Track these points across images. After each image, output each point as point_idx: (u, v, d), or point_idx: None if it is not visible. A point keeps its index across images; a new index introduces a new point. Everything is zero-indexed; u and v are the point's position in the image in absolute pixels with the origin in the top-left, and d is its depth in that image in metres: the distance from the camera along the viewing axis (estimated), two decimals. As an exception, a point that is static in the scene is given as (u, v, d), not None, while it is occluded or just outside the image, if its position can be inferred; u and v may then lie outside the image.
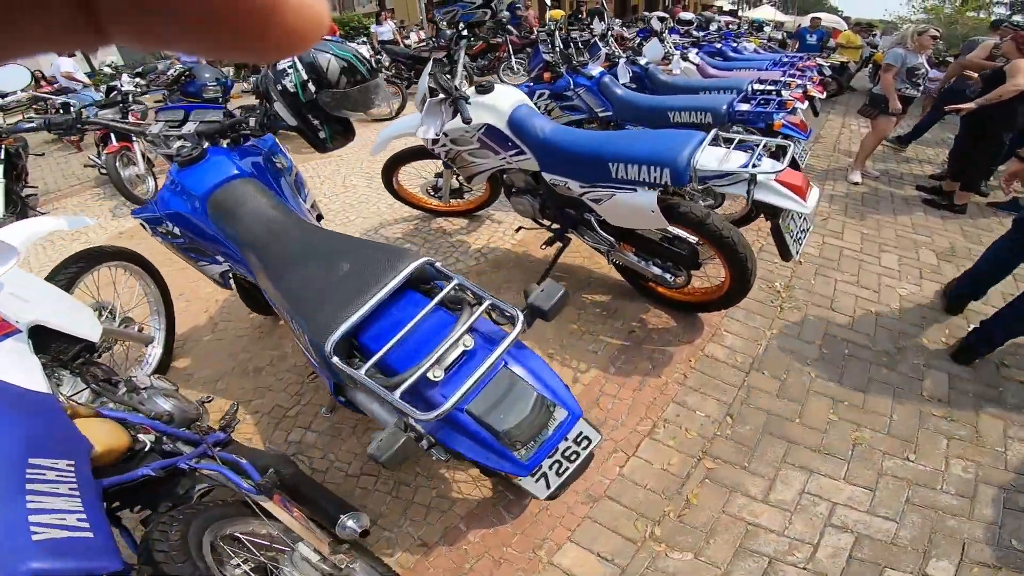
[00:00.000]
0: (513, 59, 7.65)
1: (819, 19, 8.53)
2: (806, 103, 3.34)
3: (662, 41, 4.23)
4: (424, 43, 8.28)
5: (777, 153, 2.10)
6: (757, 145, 2.05)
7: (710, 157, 2.02)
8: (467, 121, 2.13)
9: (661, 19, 4.38)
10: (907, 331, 2.58)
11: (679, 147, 2.01)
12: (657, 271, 2.39)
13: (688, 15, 5.79)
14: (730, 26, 7.42)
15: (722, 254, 2.20)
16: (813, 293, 2.82)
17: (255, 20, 0.16)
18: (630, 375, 2.29)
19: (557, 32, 3.40)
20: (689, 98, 3.13)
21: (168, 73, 6.17)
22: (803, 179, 2.01)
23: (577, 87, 3.28)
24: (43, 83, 12.67)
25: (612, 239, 2.42)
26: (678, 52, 4.23)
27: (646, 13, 5.10)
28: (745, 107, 2.97)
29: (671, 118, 2.99)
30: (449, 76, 2.34)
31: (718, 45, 5.47)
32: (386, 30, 9.49)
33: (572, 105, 3.31)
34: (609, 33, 3.96)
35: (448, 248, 3.35)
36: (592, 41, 3.91)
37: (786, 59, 4.66)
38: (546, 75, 3.35)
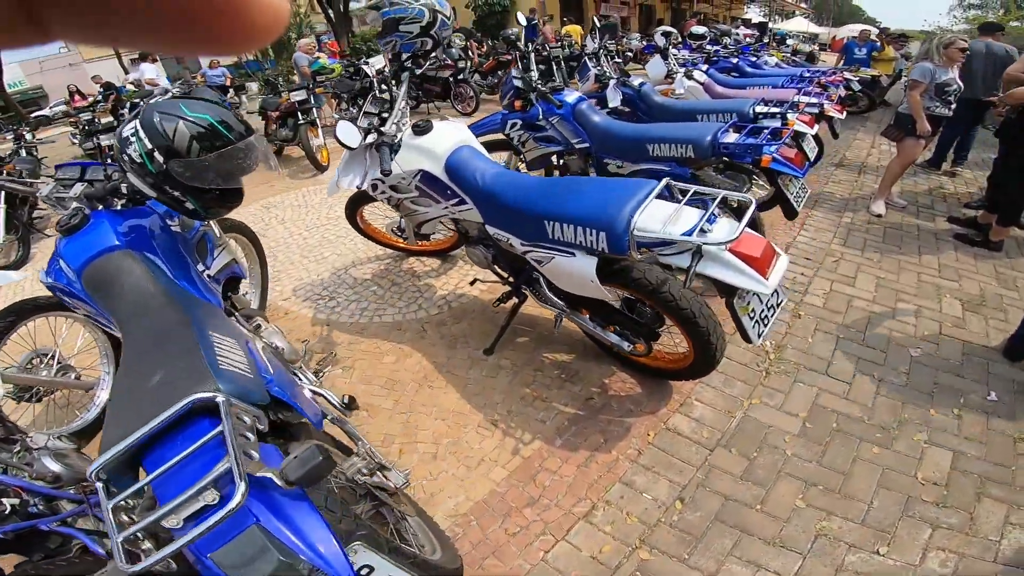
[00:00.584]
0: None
1: (868, 31, 8.54)
2: (816, 127, 3.36)
3: (666, 58, 4.35)
4: (433, 60, 8.78)
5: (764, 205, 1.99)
6: (713, 200, 1.92)
7: (653, 217, 1.91)
8: (385, 173, 2.20)
9: (666, 34, 4.49)
10: (913, 401, 2.56)
11: (618, 206, 1.93)
12: (614, 339, 2.44)
13: (700, 29, 5.88)
14: (748, 39, 7.48)
15: (681, 326, 2.20)
16: (808, 354, 2.84)
17: (211, 12, 0.17)
18: (577, 449, 2.38)
19: (532, 53, 3.54)
20: (672, 127, 3.17)
21: (167, 96, 6.72)
22: (765, 248, 1.88)
23: (549, 116, 3.38)
24: (76, 97, 13.95)
25: (562, 303, 2.47)
26: (682, 70, 4.33)
27: (664, 28, 5.25)
28: (732, 138, 2.93)
29: (650, 151, 3.06)
30: (384, 116, 2.44)
31: (734, 60, 5.57)
32: None
33: (547, 136, 3.44)
34: (602, 51, 4.11)
35: (414, 293, 3.54)
36: (582, 60, 4.06)
37: (807, 74, 4.71)
38: (517, 103, 3.47)
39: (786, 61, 7.48)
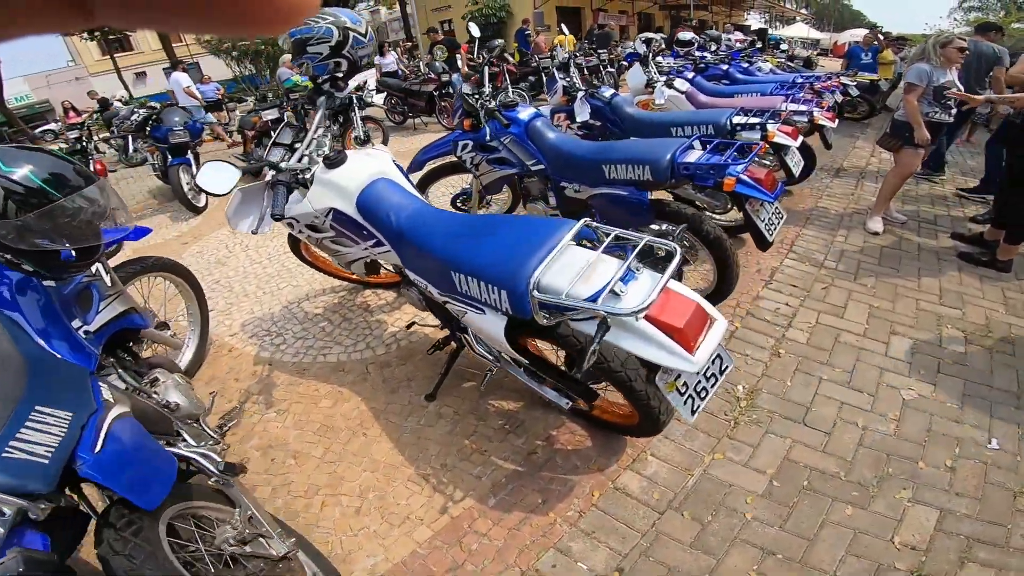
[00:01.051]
0: (511, 90, 8.07)
1: (872, 35, 8.77)
2: (801, 138, 3.26)
3: (646, 66, 4.29)
4: (418, 74, 9.03)
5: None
6: (634, 248, 1.66)
7: (563, 272, 1.65)
8: (276, 217, 2.11)
9: (647, 41, 4.44)
10: (900, 451, 2.42)
11: (522, 257, 1.69)
12: (551, 395, 2.34)
13: (687, 35, 5.83)
14: (738, 44, 7.48)
15: (618, 389, 2.07)
16: (785, 400, 2.71)
17: None
18: (511, 510, 2.29)
19: (486, 67, 3.49)
20: (629, 145, 3.05)
21: (132, 118, 6.91)
22: (693, 313, 1.59)
23: (500, 135, 3.26)
24: (71, 113, 14.58)
25: (491, 356, 2.36)
26: (662, 79, 4.27)
27: (645, 34, 5.28)
28: (693, 157, 2.75)
29: (606, 173, 2.93)
30: (294, 146, 2.37)
31: (725, 67, 5.56)
32: (389, 61, 10.94)
33: (500, 158, 3.35)
34: (572, 62, 4.07)
35: (364, 330, 3.51)
36: (550, 72, 4.03)
37: (800, 79, 4.65)
38: (466, 123, 3.37)
39: (781, 67, 7.49)
